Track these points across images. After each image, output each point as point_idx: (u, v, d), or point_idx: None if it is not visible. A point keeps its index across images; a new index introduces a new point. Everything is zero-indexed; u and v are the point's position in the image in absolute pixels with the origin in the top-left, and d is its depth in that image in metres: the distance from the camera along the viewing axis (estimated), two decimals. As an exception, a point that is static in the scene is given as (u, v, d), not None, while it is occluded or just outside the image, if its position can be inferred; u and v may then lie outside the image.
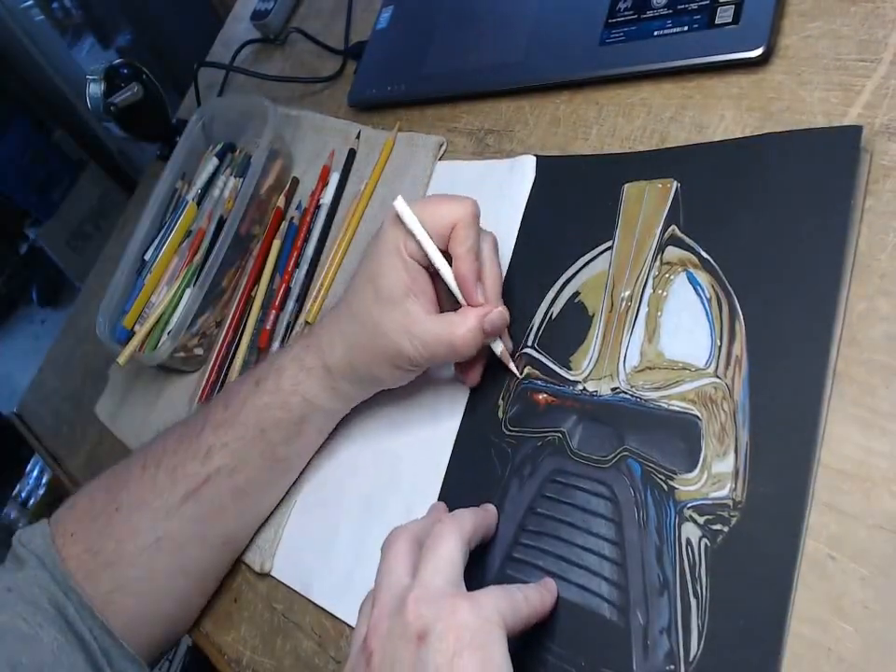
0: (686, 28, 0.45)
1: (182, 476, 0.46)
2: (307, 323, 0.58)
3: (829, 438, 0.32)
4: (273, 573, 0.49)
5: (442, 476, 0.44)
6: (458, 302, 0.42)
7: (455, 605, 0.31)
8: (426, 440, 0.46)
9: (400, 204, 0.41)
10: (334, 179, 0.63)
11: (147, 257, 0.68)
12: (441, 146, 0.57)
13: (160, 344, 0.61)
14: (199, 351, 0.64)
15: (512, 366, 0.43)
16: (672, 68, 0.45)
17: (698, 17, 0.45)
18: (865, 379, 0.32)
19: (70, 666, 0.41)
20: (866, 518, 0.30)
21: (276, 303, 0.60)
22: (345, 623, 0.44)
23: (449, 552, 0.34)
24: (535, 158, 0.49)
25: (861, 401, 0.32)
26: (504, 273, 0.47)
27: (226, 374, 0.61)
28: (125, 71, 0.76)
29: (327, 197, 0.63)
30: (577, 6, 0.52)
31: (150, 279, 0.65)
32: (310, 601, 0.46)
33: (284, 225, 0.65)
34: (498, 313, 0.41)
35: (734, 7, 0.43)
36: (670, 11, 0.46)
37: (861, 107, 0.37)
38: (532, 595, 0.35)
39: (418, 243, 0.41)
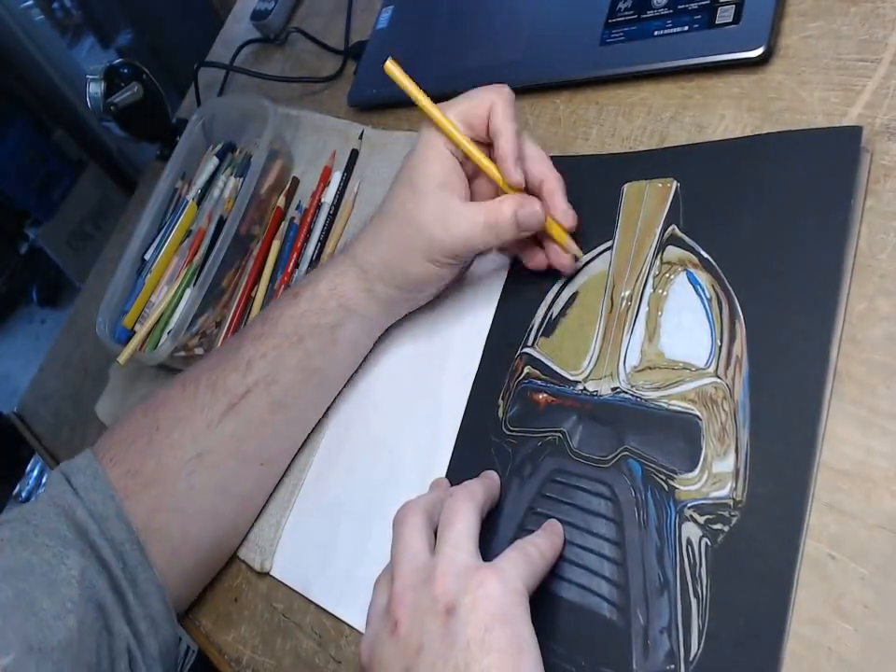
0: (686, 28, 0.45)
1: (223, 389, 0.46)
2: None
3: (829, 437, 0.32)
4: (273, 573, 0.49)
5: (443, 476, 0.44)
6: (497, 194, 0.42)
7: (482, 578, 0.32)
8: (426, 439, 0.46)
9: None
10: (336, 179, 0.63)
11: (146, 256, 0.68)
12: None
13: (160, 344, 0.61)
14: (199, 351, 0.63)
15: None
16: (672, 68, 0.45)
17: (698, 17, 0.45)
18: (865, 379, 0.32)
19: (88, 597, 0.40)
20: (866, 518, 0.30)
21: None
22: (345, 623, 0.44)
23: (467, 525, 0.35)
24: None
25: (862, 401, 0.32)
26: (504, 277, 0.47)
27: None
28: (125, 71, 0.76)
29: (328, 196, 0.63)
30: (577, 5, 0.52)
31: (150, 279, 0.65)
32: (310, 601, 0.46)
33: (284, 225, 0.65)
34: (531, 210, 0.40)
35: (734, 6, 0.43)
36: (670, 11, 0.46)
37: (861, 107, 0.37)
38: (544, 546, 0.36)
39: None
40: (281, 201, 0.66)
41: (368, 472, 0.48)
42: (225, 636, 0.49)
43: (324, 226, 0.62)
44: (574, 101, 0.50)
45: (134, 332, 0.63)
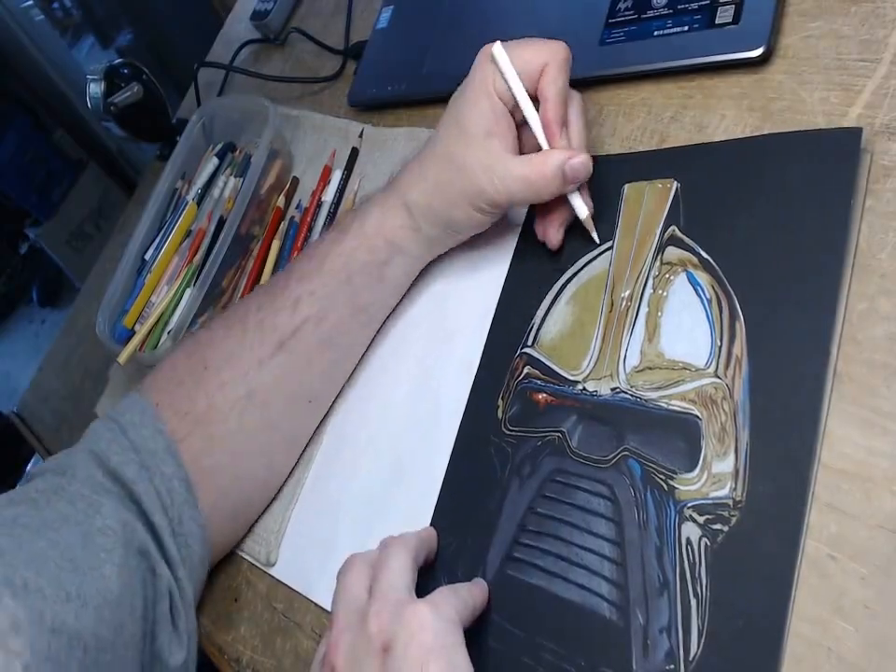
0: (686, 28, 0.45)
1: (271, 328, 0.46)
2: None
3: (829, 437, 0.32)
4: (273, 573, 0.49)
5: (442, 476, 0.44)
6: (541, 150, 0.42)
7: (416, 611, 0.33)
8: (426, 439, 0.46)
9: (497, 48, 0.42)
10: (336, 178, 0.63)
11: (147, 256, 0.68)
12: None
13: (160, 344, 0.61)
14: None
15: (594, 233, 0.43)
16: (672, 68, 0.45)
17: (698, 17, 0.45)
18: (866, 379, 0.32)
19: (126, 542, 0.40)
20: (867, 518, 0.30)
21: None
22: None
23: (400, 564, 0.36)
24: None
25: (862, 401, 0.32)
26: (504, 276, 0.47)
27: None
28: (125, 71, 0.76)
29: (328, 195, 0.63)
30: (577, 5, 0.52)
31: (150, 279, 0.65)
32: (310, 601, 0.46)
33: (284, 224, 0.65)
34: (581, 160, 0.40)
35: (734, 6, 0.43)
36: (670, 11, 0.46)
37: (861, 107, 0.37)
38: (474, 591, 0.37)
39: (507, 83, 0.41)
40: (281, 200, 0.66)
41: (369, 473, 0.48)
42: (225, 636, 0.49)
43: (324, 224, 0.62)
44: (574, 101, 0.50)
45: (135, 332, 0.63)
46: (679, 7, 0.46)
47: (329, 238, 0.49)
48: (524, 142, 0.44)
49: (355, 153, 0.64)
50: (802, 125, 0.39)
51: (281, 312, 0.47)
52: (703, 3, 0.45)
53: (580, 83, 0.50)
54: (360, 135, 0.64)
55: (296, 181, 0.68)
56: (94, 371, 0.79)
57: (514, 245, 0.48)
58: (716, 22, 0.44)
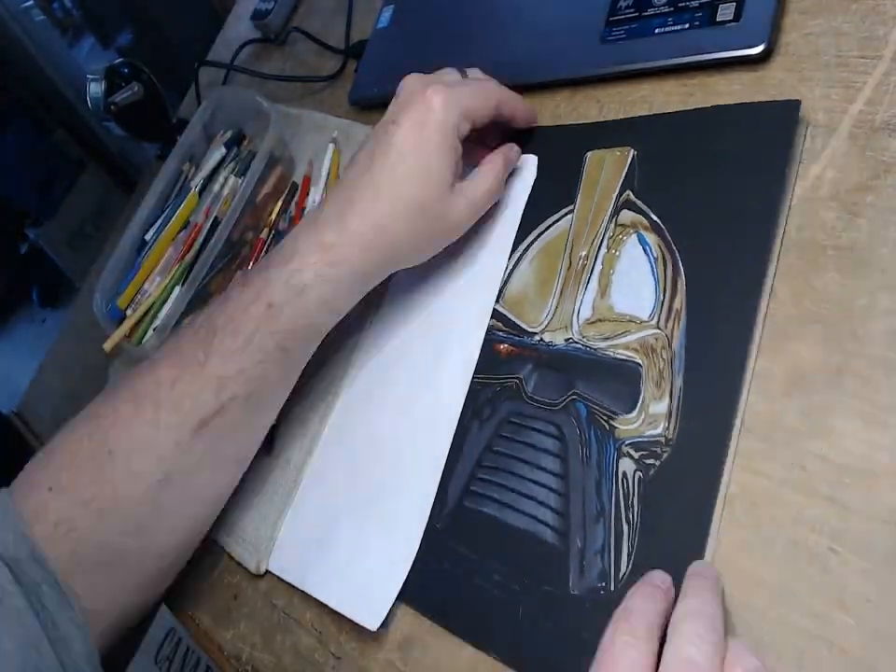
0: (687, 25, 0.45)
1: (191, 408, 0.42)
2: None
3: (830, 431, 0.32)
4: (270, 568, 0.49)
5: (445, 455, 0.44)
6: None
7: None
8: (425, 423, 0.46)
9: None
10: (320, 186, 0.63)
11: (147, 237, 0.68)
12: None
13: (146, 339, 0.62)
14: None
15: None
16: (673, 66, 0.45)
17: (699, 14, 0.45)
18: (867, 373, 0.32)
19: (24, 636, 0.38)
20: (868, 512, 0.30)
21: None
22: (345, 618, 0.44)
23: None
24: (535, 158, 0.50)
25: (863, 395, 0.32)
26: (503, 270, 0.47)
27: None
28: (125, 70, 0.76)
29: (313, 200, 0.63)
30: (578, 4, 0.52)
31: (146, 264, 0.65)
32: (309, 598, 0.46)
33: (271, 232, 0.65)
34: (512, 154, 0.48)
35: (735, 4, 0.43)
36: (671, 9, 0.46)
37: (862, 104, 0.38)
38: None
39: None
40: (278, 206, 0.65)
41: (367, 466, 0.48)
42: (224, 633, 0.49)
43: None
44: (575, 99, 0.50)
45: (126, 317, 0.63)
46: (679, 4, 0.46)
47: (255, 314, 0.43)
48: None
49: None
50: (802, 122, 0.39)
51: (203, 391, 0.42)
52: (703, 0, 0.45)
53: (580, 81, 0.50)
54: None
55: (294, 187, 0.67)
56: (94, 371, 0.79)
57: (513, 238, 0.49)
58: (717, 20, 0.44)
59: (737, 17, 0.43)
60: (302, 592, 0.47)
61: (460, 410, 0.45)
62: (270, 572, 0.49)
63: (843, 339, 0.33)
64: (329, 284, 0.43)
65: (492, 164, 0.46)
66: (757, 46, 0.42)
